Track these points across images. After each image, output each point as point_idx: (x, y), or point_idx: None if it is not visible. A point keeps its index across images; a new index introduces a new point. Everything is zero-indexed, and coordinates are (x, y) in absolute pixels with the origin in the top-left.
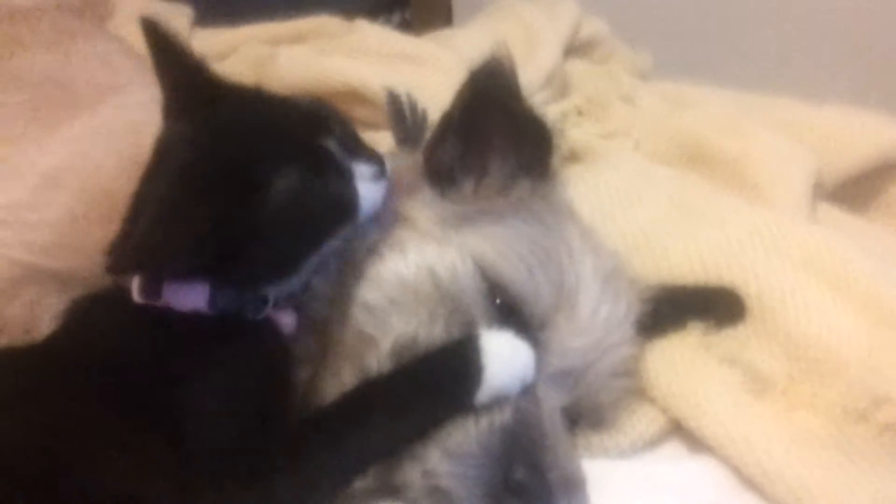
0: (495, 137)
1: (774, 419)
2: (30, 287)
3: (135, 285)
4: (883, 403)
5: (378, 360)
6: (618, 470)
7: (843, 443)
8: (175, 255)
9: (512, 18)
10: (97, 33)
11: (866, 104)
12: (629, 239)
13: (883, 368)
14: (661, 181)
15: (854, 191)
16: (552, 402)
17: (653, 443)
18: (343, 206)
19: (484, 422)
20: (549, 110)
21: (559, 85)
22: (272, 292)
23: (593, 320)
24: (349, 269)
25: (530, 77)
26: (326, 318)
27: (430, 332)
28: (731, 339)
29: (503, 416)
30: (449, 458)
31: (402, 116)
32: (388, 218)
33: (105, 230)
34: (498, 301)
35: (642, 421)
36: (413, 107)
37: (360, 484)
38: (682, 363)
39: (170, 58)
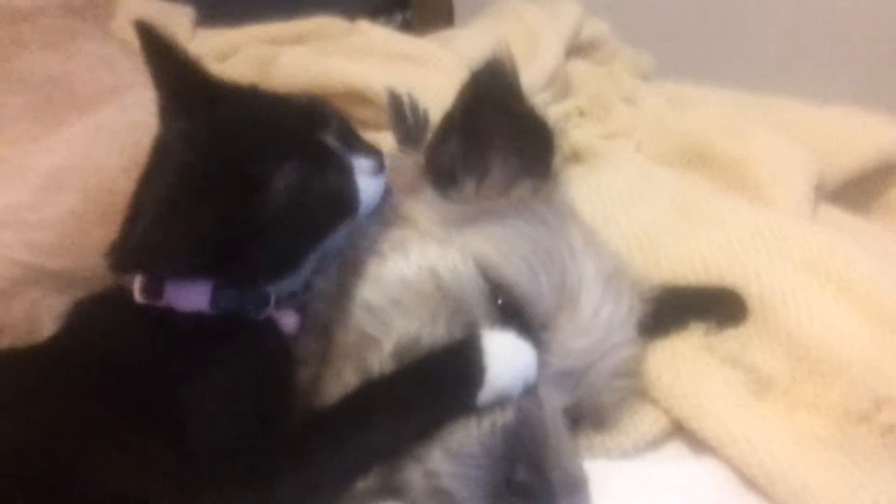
0: (497, 138)
1: (776, 420)
2: (31, 287)
3: (136, 286)
4: (885, 404)
5: (380, 361)
6: (620, 470)
7: (845, 443)
8: (177, 255)
9: (513, 19)
10: (99, 34)
11: (867, 105)
12: (631, 239)
13: (884, 369)
14: (662, 182)
15: (855, 191)
16: (554, 402)
17: (655, 443)
18: (344, 201)
19: (486, 422)
20: (551, 111)
21: (561, 85)
22: (273, 291)
23: (595, 321)
24: (351, 269)
25: (532, 77)
26: (328, 318)
27: (433, 332)
28: (732, 339)
29: (505, 417)
30: (451, 458)
31: (404, 117)
32: (386, 213)
33: (106, 230)
34: (500, 301)
35: (644, 421)
36: (414, 107)
37: (361, 484)
38: (684, 364)
39: (165, 59)
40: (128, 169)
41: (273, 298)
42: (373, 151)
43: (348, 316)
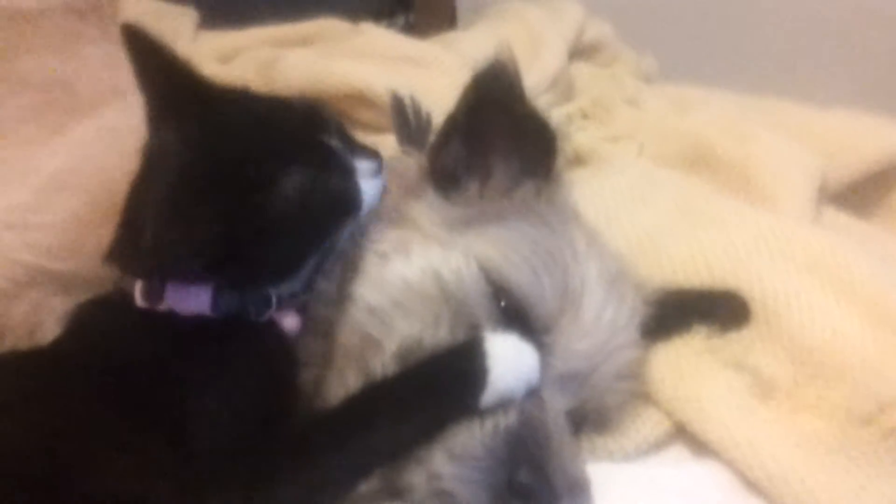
0: (499, 140)
1: (779, 423)
2: (33, 289)
3: (137, 289)
4: (887, 407)
5: (382, 363)
6: (622, 473)
7: (848, 446)
8: (187, 258)
9: (516, 21)
10: (101, 36)
11: (870, 107)
12: (633, 242)
13: (887, 372)
14: (665, 184)
15: (858, 194)
16: (557, 405)
17: (657, 446)
18: (347, 203)
19: (489, 424)
20: (553, 113)
21: (563, 88)
22: (275, 293)
23: (598, 323)
24: (353, 271)
25: (534, 79)
26: (331, 320)
27: (435, 334)
28: (735, 342)
29: (508, 419)
30: (453, 460)
31: (406, 119)
32: (389, 213)
33: (108, 232)
34: (503, 304)
35: (647, 424)
36: (417, 109)
37: (364, 486)
38: (687, 367)
39: (155, 63)
40: (129, 171)
41: (274, 300)
42: (372, 153)
43: (350, 317)
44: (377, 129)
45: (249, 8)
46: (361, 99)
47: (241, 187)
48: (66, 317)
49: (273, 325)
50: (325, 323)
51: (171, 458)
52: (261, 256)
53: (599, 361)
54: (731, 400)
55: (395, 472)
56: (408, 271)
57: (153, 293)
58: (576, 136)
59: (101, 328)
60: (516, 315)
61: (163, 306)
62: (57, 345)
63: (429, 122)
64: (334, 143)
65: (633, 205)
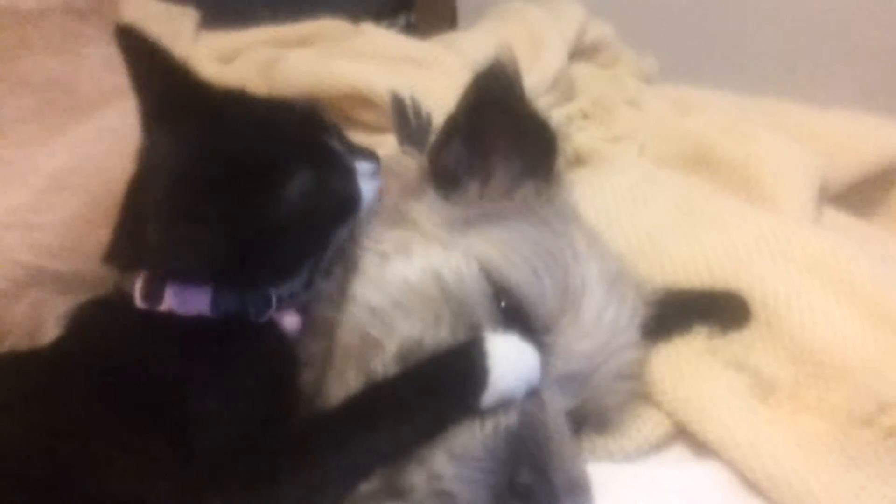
0: (500, 140)
1: (780, 423)
2: (34, 289)
3: (137, 290)
4: (888, 408)
5: (383, 363)
6: (623, 474)
7: (849, 447)
8: (189, 260)
9: (517, 21)
10: (102, 36)
11: (871, 108)
12: (634, 242)
13: (888, 372)
14: (666, 185)
15: (858, 195)
16: (557, 405)
17: (658, 447)
18: (349, 204)
19: (489, 425)
20: (554, 113)
21: (564, 88)
22: (275, 293)
23: (598, 323)
24: (354, 271)
25: (535, 80)
26: (331, 320)
27: (436, 335)
28: (736, 343)
29: (509, 420)
30: (454, 461)
31: (407, 119)
32: (386, 214)
33: (109, 232)
34: (503, 304)
35: (647, 425)
36: (417, 109)
37: (364, 486)
38: (688, 367)
39: (151, 65)
40: (130, 171)
41: (274, 300)
42: (370, 154)
43: (351, 317)
44: (378, 130)
45: (250, 8)
46: (362, 99)
47: (246, 189)
48: (66, 317)
49: (273, 325)
50: (325, 323)
51: (171, 458)
52: (263, 258)
53: (600, 362)
54: (731, 400)
55: (396, 472)
56: (408, 271)
57: (153, 294)
58: (576, 136)
59: (101, 328)
60: (517, 315)
61: (162, 307)
62: (57, 345)
63: (429, 122)
64: (335, 144)
65: (634, 205)
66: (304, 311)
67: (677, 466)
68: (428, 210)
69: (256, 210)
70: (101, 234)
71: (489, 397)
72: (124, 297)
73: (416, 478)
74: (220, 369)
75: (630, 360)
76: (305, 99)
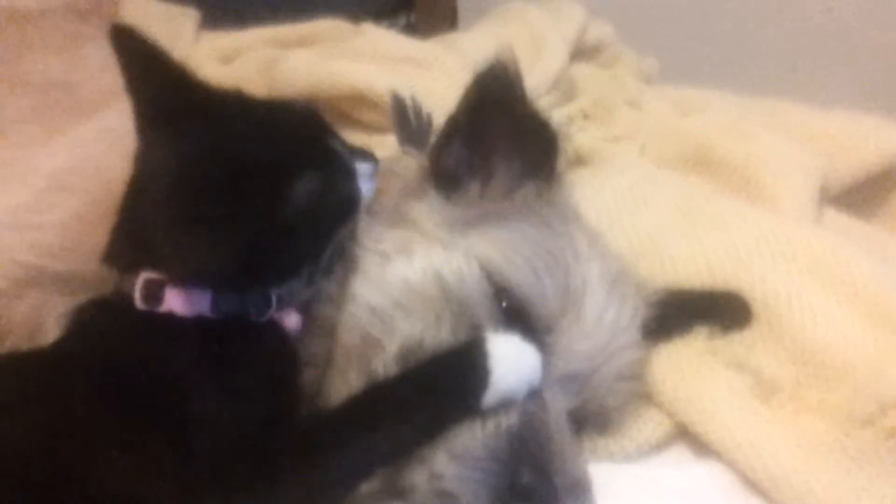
0: (500, 140)
1: (781, 424)
2: (34, 289)
3: (137, 291)
4: (889, 408)
5: (384, 364)
6: (624, 474)
7: (850, 448)
8: (190, 262)
9: (517, 21)
10: (102, 36)
11: (871, 108)
12: (635, 243)
13: (889, 373)
14: (666, 185)
15: (859, 195)
16: (558, 405)
17: (659, 447)
18: (350, 205)
19: (490, 425)
20: (555, 114)
21: (565, 88)
22: (275, 293)
23: (599, 324)
24: (354, 271)
25: (536, 80)
26: (332, 320)
27: (437, 335)
28: (737, 343)
29: (510, 420)
30: (455, 461)
31: (407, 119)
32: (387, 214)
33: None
34: (504, 304)
35: (648, 425)
36: (418, 110)
37: (365, 486)
38: (689, 367)
39: (147, 66)
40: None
41: (274, 300)
42: (368, 155)
43: (351, 317)
44: (378, 130)
45: (250, 8)
46: (362, 99)
47: (250, 190)
48: (66, 317)
49: (274, 325)
50: (326, 323)
51: (171, 458)
52: (266, 258)
53: (601, 362)
54: (732, 401)
55: (397, 472)
56: (409, 272)
57: (153, 295)
58: (577, 136)
59: (101, 329)
60: (518, 315)
61: (162, 308)
62: (57, 345)
63: (430, 122)
64: (338, 146)
65: (635, 205)
66: (304, 310)
67: (678, 467)
68: (429, 210)
69: (262, 211)
70: (101, 234)
71: (490, 397)
72: (124, 298)
73: (417, 478)
74: (221, 369)
75: (631, 360)
76: (303, 100)
